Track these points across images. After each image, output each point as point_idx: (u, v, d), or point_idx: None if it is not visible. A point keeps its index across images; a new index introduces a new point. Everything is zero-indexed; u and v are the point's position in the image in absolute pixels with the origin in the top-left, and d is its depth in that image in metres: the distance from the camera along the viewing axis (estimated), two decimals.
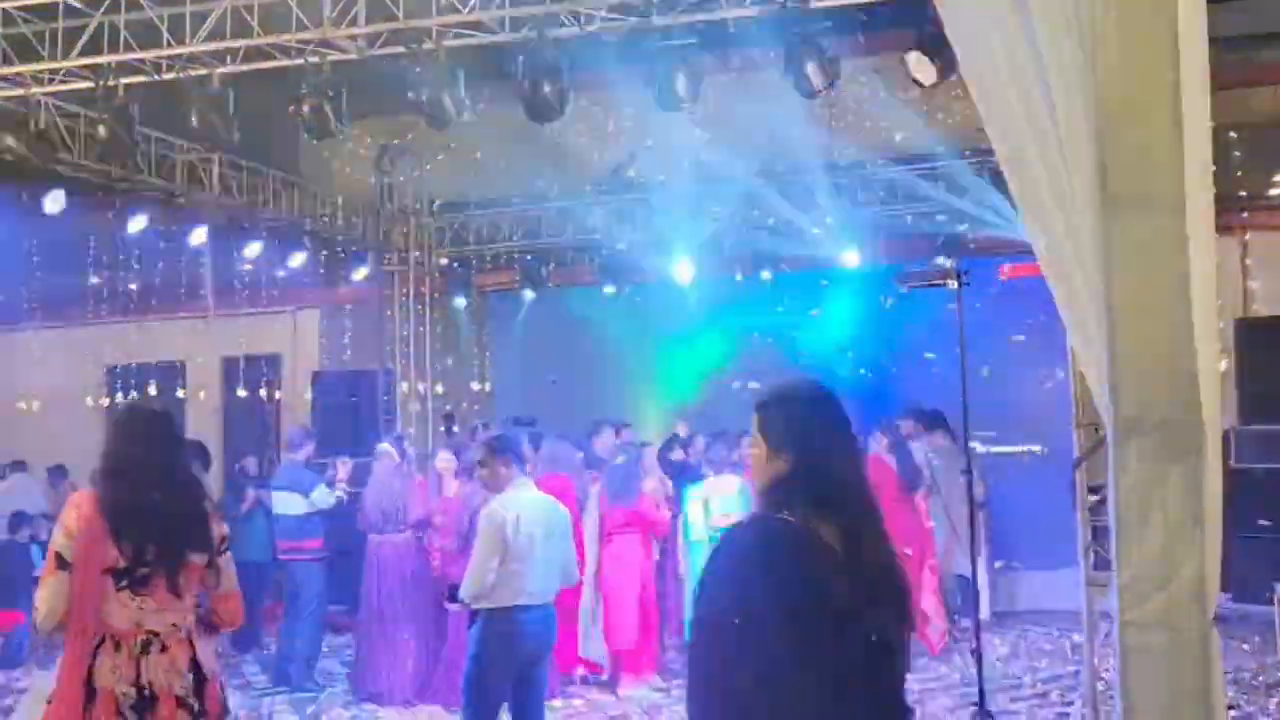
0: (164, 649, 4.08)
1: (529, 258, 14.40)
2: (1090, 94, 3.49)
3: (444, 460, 9.42)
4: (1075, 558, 6.23)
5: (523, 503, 6.08)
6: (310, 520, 9.42)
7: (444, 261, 15.19)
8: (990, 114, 3.86)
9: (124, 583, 4.05)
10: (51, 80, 8.84)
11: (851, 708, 2.67)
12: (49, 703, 4.07)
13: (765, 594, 2.63)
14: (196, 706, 4.11)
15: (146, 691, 4.02)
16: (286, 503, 9.48)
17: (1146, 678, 3.35)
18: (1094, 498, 5.82)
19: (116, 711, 3.97)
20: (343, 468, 9.83)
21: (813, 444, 2.83)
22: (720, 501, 9.31)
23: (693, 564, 9.38)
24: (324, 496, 9.40)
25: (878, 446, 10.36)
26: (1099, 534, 5.83)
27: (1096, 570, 5.89)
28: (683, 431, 11.43)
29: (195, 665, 4.14)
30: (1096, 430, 5.56)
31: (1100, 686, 6.18)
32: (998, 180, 11.85)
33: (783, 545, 2.71)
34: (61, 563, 4.06)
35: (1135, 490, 3.40)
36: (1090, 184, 3.63)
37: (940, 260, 11.99)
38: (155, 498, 4.17)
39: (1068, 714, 7.94)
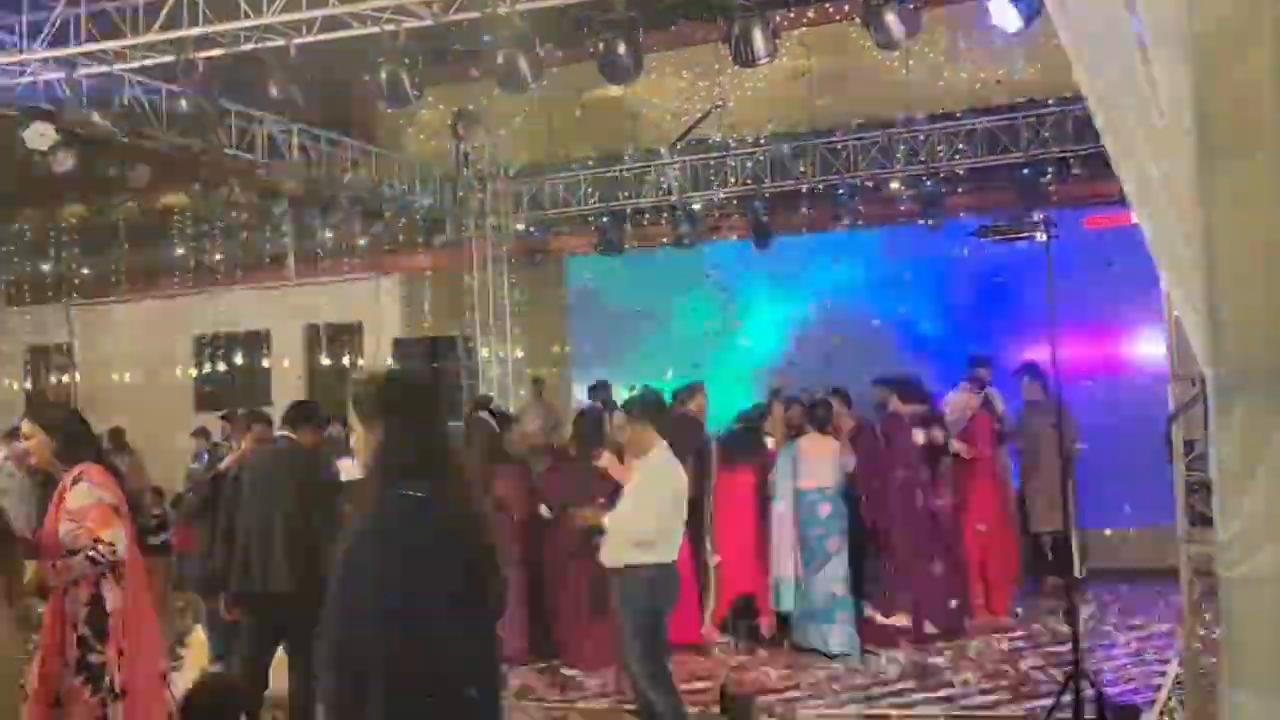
0: None
1: (605, 220, 14.36)
2: (1186, 33, 3.37)
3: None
4: (1168, 515, 6.10)
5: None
6: None
7: (521, 226, 15.20)
8: (1080, 57, 3.74)
9: None
10: (134, 56, 8.96)
11: (444, 649, 3.09)
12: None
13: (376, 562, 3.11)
14: None
15: None
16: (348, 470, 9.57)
17: (1251, 633, 3.26)
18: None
19: None
20: None
21: (402, 421, 3.24)
22: (810, 464, 9.11)
23: (774, 524, 9.28)
24: None
25: (966, 396, 10.20)
26: (1195, 489, 5.69)
27: (1193, 527, 5.75)
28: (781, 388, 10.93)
29: None
30: (1193, 383, 5.42)
31: (1196, 646, 6.06)
32: (1080, 130, 11.64)
33: (390, 519, 3.17)
34: None
35: (1239, 444, 3.29)
36: (1187, 128, 3.51)
37: (1027, 212, 11.81)
38: None
39: (1164, 673, 7.81)
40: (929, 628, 9.17)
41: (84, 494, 4.83)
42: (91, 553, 4.73)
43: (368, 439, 3.26)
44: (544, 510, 8.96)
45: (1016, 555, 10.35)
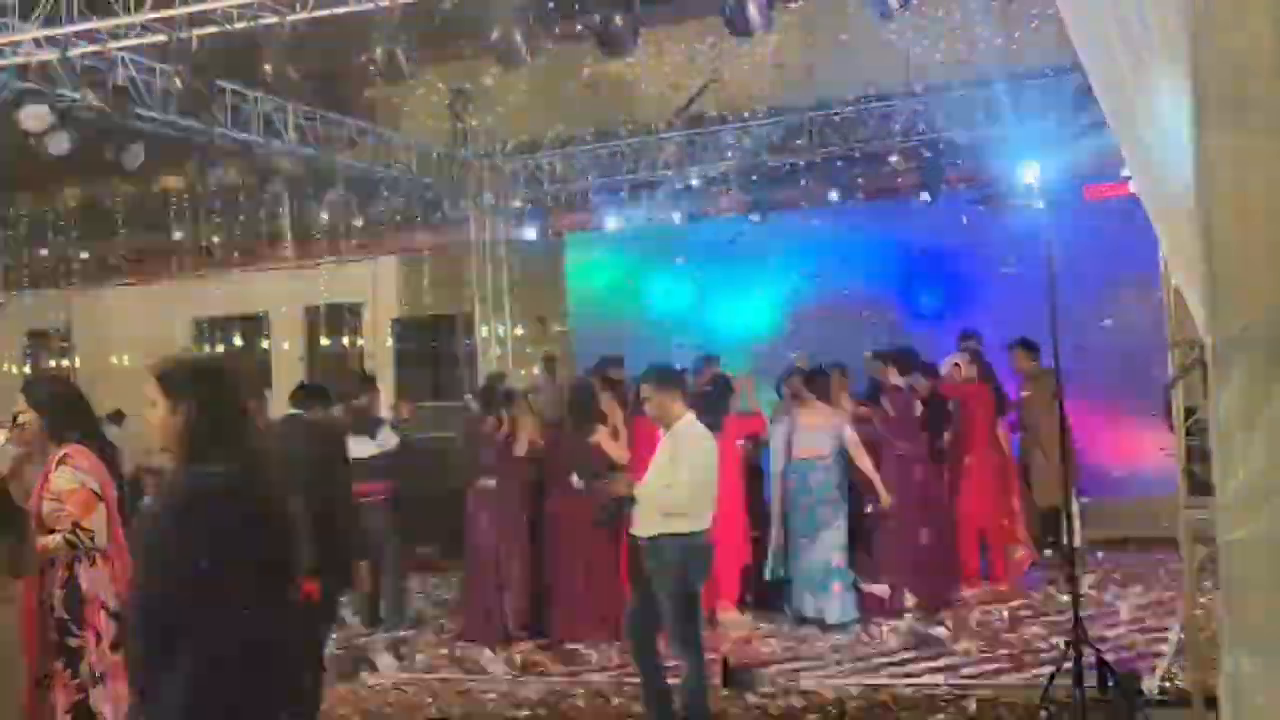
0: None
1: (603, 196, 14.34)
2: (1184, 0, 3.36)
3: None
4: (1168, 482, 6.11)
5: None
6: (376, 463, 9.52)
7: (519, 203, 15.18)
8: (1076, 23, 3.73)
9: None
10: (127, 35, 8.91)
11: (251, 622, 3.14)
12: None
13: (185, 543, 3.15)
14: None
15: None
16: (357, 447, 9.57)
17: (1250, 597, 3.27)
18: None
19: None
20: (405, 408, 10.04)
21: (206, 399, 3.32)
22: (807, 434, 9.08)
23: (770, 495, 9.27)
24: (388, 438, 9.55)
25: (958, 366, 10.18)
26: (1194, 456, 5.69)
27: (1193, 494, 5.76)
28: (802, 363, 10.84)
29: None
30: (1191, 348, 5.41)
31: (1197, 612, 6.08)
32: (1079, 98, 11.61)
33: (196, 497, 3.24)
34: None
35: (1238, 408, 3.30)
36: (1184, 92, 3.50)
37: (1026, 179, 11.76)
38: None
39: (1165, 639, 7.84)
40: (909, 599, 9.16)
41: (67, 477, 4.85)
42: (70, 536, 4.77)
43: (170, 419, 3.30)
44: (576, 480, 8.79)
45: (1019, 524, 10.34)
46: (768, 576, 9.23)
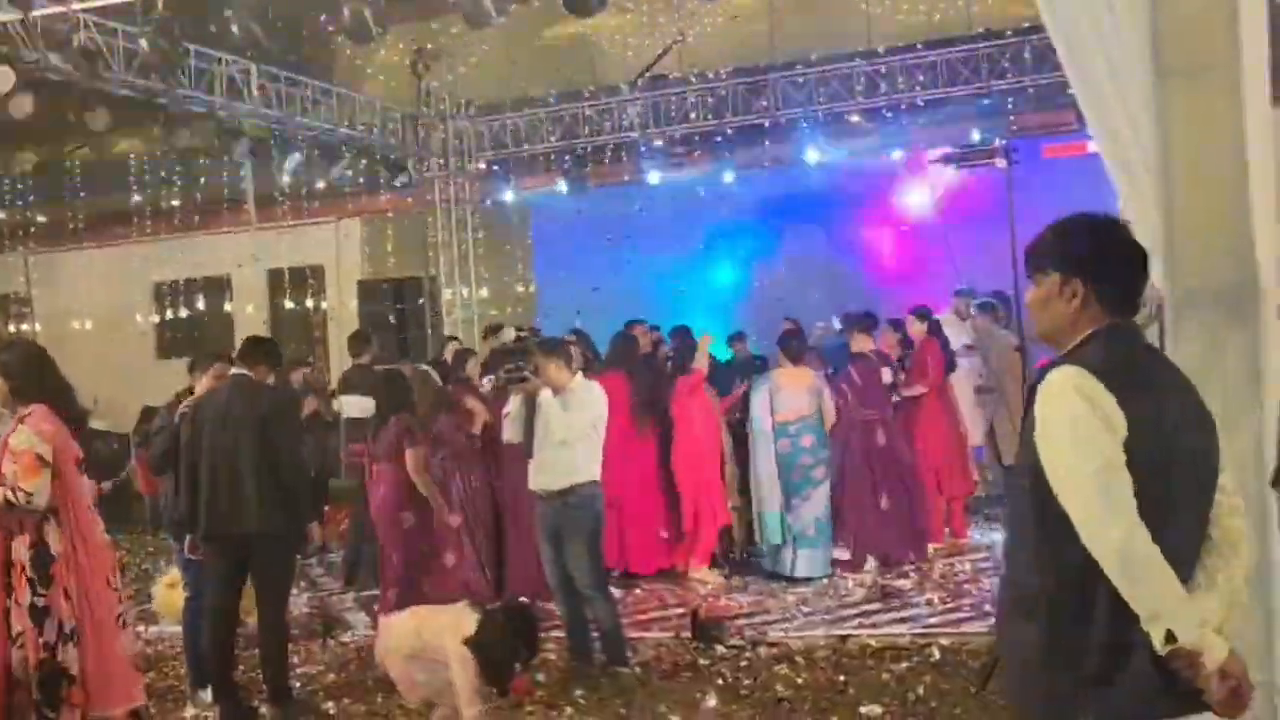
0: None
1: (568, 158, 14.34)
2: None
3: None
4: None
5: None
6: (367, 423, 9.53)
7: (483, 165, 15.16)
8: None
9: None
10: None
11: None
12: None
13: None
14: None
15: None
16: (359, 406, 9.54)
17: None
18: None
19: None
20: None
21: None
22: (787, 396, 9.11)
23: (757, 457, 9.33)
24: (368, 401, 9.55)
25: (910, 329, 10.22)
26: None
27: None
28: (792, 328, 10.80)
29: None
30: (1148, 303, 5.55)
31: None
32: (1040, 58, 11.76)
33: None
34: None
35: (1195, 359, 3.43)
36: (1143, 53, 3.61)
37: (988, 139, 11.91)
38: None
39: None
40: (870, 563, 9.30)
41: (23, 437, 4.94)
42: (10, 495, 4.84)
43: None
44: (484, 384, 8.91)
45: (970, 478, 10.46)
46: (765, 542, 9.30)
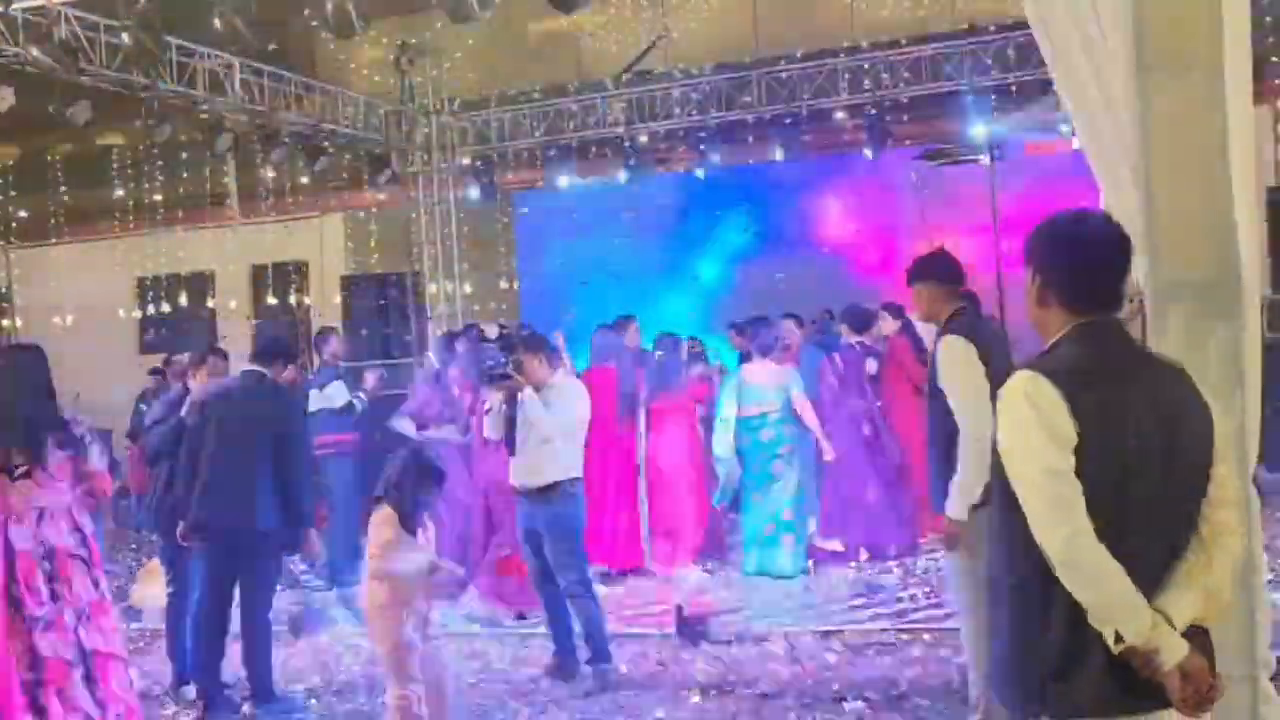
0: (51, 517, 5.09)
1: (552, 153, 14.32)
2: None
3: None
4: None
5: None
6: (344, 414, 9.55)
7: (467, 160, 15.12)
8: None
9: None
10: None
11: None
12: None
13: None
14: (85, 555, 5.15)
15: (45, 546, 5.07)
16: (326, 398, 9.57)
17: None
18: None
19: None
20: (371, 376, 10.14)
21: None
22: (753, 389, 9.09)
23: (718, 448, 9.26)
24: (340, 392, 9.57)
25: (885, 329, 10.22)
26: None
27: None
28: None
29: (76, 527, 5.17)
30: (1130, 299, 5.56)
31: None
32: (1022, 55, 11.78)
33: None
34: None
35: (1175, 354, 3.44)
36: (1126, 47, 3.61)
37: (971, 136, 11.91)
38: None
39: None
40: (863, 555, 9.32)
41: None
42: None
43: None
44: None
45: None
46: (714, 504, 9.35)
